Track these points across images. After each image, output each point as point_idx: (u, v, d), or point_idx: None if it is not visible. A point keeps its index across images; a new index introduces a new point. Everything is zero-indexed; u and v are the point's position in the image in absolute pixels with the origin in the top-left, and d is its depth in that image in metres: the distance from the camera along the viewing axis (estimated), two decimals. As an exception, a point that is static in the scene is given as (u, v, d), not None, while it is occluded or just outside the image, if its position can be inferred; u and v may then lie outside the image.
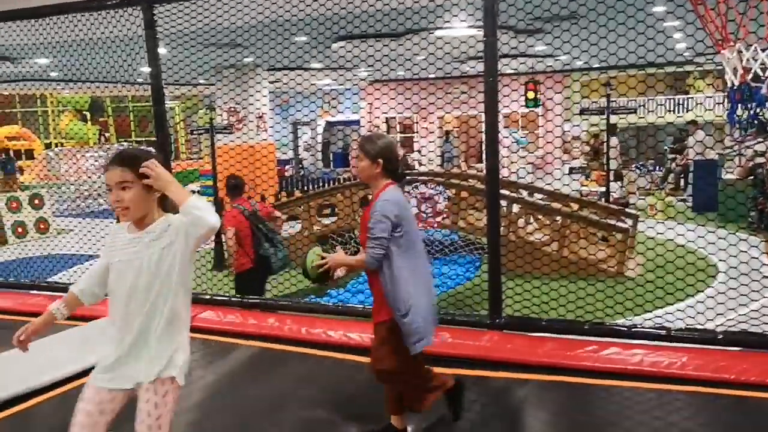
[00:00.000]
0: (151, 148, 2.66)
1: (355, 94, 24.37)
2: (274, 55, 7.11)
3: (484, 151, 4.68)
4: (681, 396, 3.56)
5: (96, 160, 19.47)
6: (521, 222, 9.72)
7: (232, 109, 14.71)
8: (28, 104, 24.44)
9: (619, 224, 9.53)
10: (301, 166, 21.83)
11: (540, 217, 9.83)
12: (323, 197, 11.29)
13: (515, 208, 9.69)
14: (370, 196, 3.22)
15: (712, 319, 5.22)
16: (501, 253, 4.50)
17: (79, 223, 11.77)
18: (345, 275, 3.28)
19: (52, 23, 6.19)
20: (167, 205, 2.42)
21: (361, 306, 5.49)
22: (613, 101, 12.79)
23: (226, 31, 7.48)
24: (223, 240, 7.83)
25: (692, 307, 5.45)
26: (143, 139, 24.64)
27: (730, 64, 4.85)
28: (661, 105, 21.49)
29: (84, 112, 23.39)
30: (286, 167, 20.50)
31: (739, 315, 4.80)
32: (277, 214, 6.72)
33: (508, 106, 17.69)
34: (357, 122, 23.55)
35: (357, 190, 10.59)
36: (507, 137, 19.66)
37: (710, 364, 3.77)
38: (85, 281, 2.58)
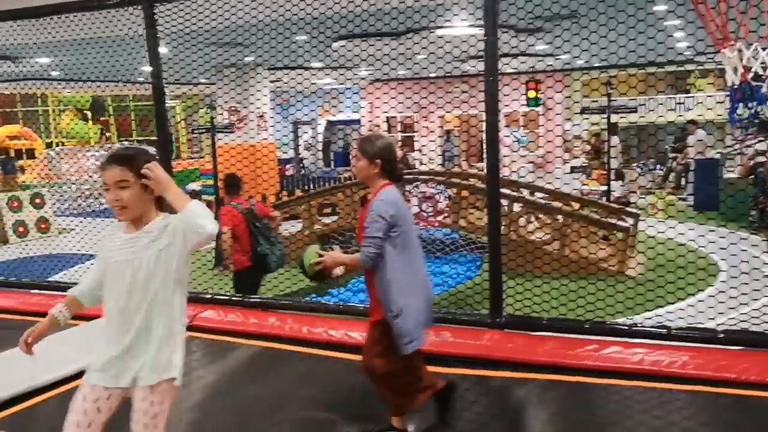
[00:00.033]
0: (150, 147, 2.65)
1: (355, 93, 24.36)
2: (275, 55, 7.11)
3: (484, 151, 4.68)
4: (682, 395, 3.56)
5: (97, 160, 19.47)
6: (522, 221, 9.71)
7: (233, 108, 14.71)
8: (29, 103, 24.44)
9: (620, 223, 9.52)
10: (301, 165, 21.80)
11: (541, 216, 9.82)
12: (324, 196, 11.29)
13: (516, 207, 9.68)
14: (369, 196, 3.24)
15: (713, 318, 5.23)
16: (502, 252, 4.50)
17: (80, 222, 11.76)
18: (344, 274, 3.29)
19: (52, 22, 6.20)
20: (164, 204, 2.42)
21: (363, 305, 5.48)
22: (613, 100, 12.77)
23: (227, 30, 7.49)
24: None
25: (693, 306, 5.46)
26: (144, 138, 24.64)
27: (730, 63, 4.85)
28: (661, 104, 21.46)
29: (85, 112, 23.39)
30: (287, 166, 20.49)
31: (740, 314, 4.80)
32: (275, 213, 6.73)
33: (508, 105, 17.70)
34: (358, 121, 23.53)
35: (358, 190, 10.58)
36: (508, 136, 19.65)
37: (711, 363, 3.76)
38: (84, 283, 2.57)
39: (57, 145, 22.85)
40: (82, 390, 2.42)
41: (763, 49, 4.61)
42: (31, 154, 21.61)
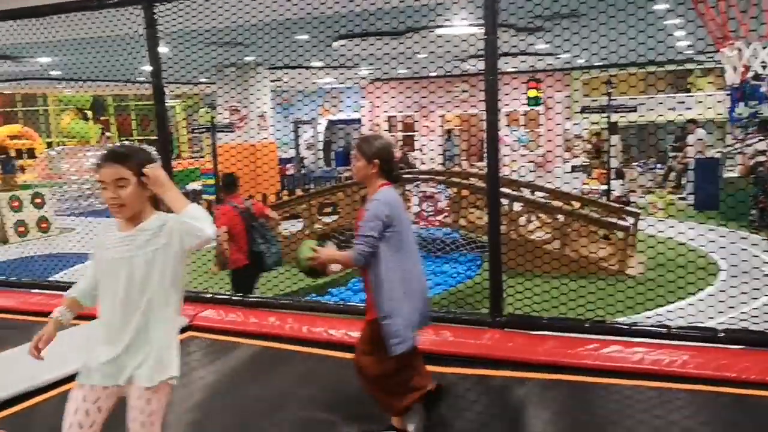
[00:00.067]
0: (150, 147, 2.65)
1: (356, 92, 24.36)
2: (276, 54, 7.11)
3: (485, 150, 4.68)
4: (682, 394, 3.56)
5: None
6: (522, 220, 9.71)
7: (234, 107, 14.71)
8: (29, 103, 24.44)
9: (621, 222, 9.52)
10: (302, 164, 21.81)
11: (541, 215, 9.82)
12: (324, 196, 11.29)
13: (516, 206, 9.69)
14: (368, 196, 3.25)
15: (713, 317, 5.23)
16: (502, 252, 4.50)
17: (81, 222, 11.78)
18: (340, 271, 3.30)
19: (52, 22, 6.19)
20: (159, 202, 2.42)
21: (363, 305, 5.48)
22: (614, 99, 12.77)
23: (227, 30, 7.49)
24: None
25: (693, 305, 5.47)
26: (144, 138, 24.64)
27: (730, 62, 4.85)
28: (661, 103, 21.45)
29: (86, 111, 23.40)
30: (288, 166, 20.49)
31: (740, 313, 4.80)
32: (272, 214, 6.74)
33: (508, 105, 17.70)
34: (358, 121, 23.53)
35: (358, 189, 10.57)
36: (508, 135, 19.64)
37: (711, 363, 3.76)
38: (82, 284, 2.57)
39: (58, 145, 22.87)
40: (81, 391, 2.41)
41: (763, 48, 4.60)
42: (31, 153, 21.61)
